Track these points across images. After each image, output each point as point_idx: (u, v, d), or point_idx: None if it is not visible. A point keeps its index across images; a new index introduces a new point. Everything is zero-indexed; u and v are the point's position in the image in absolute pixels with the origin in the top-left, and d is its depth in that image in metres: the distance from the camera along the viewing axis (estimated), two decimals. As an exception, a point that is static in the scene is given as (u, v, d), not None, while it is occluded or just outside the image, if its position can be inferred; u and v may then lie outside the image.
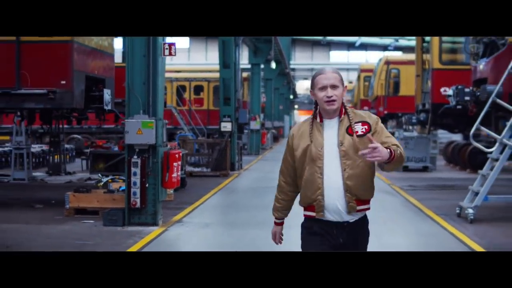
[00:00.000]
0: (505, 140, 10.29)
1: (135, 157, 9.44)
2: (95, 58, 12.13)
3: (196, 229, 9.61)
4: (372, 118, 3.80)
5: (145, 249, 8.02)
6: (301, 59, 68.36)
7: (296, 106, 71.55)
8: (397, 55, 53.44)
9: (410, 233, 9.45)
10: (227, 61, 20.18)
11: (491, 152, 10.59)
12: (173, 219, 10.29)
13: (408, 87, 27.28)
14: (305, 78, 66.93)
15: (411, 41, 54.93)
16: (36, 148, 19.91)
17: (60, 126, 18.18)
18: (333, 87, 3.73)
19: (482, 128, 10.62)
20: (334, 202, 3.72)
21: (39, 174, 17.47)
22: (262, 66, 30.89)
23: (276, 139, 41.38)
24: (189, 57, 62.93)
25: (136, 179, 9.43)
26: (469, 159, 18.75)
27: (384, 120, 34.34)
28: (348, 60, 69.00)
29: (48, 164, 18.39)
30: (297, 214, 4.28)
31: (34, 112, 14.37)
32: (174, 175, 9.68)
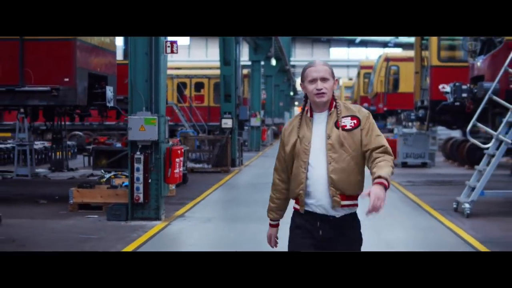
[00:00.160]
0: (501, 136, 10.46)
1: (138, 153, 9.62)
2: (98, 56, 12.32)
3: (198, 224, 9.80)
4: (362, 112, 3.73)
5: (149, 243, 8.21)
6: (301, 56, 68.51)
7: (296, 103, 71.74)
8: (397, 52, 53.62)
9: (408, 228, 9.64)
10: (227, 58, 20.34)
11: (487, 148, 10.76)
12: (175, 214, 10.48)
13: (407, 84, 27.46)
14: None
15: (411, 38, 55.09)
16: (38, 144, 20.08)
17: (62, 123, 18.35)
18: (323, 79, 3.69)
19: (479, 124, 10.80)
20: (320, 196, 3.68)
21: (41, 170, 17.66)
22: (262, 63, 31.03)
23: (276, 135, 41.54)
24: (189, 54, 63.07)
25: (139, 174, 9.61)
26: (468, 155, 18.91)
27: (384, 117, 34.56)
28: (348, 57, 69.18)
29: (51, 161, 18.58)
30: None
31: (37, 109, 14.55)
32: (177, 170, 9.88)
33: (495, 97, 10.76)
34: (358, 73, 40.39)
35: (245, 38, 26.47)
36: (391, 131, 28.25)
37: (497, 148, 10.56)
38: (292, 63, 53.90)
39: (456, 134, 25.45)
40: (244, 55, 27.71)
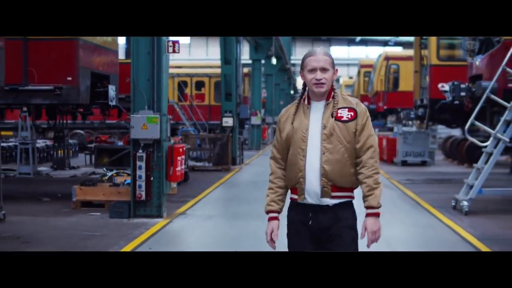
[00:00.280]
0: (498, 135, 10.58)
1: (140, 151, 9.74)
2: (100, 55, 12.45)
3: (199, 221, 9.92)
4: (360, 107, 3.71)
5: (151, 240, 8.33)
6: (301, 54, 68.01)
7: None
8: (397, 51, 53.69)
9: (407, 225, 9.76)
10: (228, 58, 20.48)
11: (485, 147, 10.88)
12: (177, 211, 10.61)
13: (407, 83, 27.56)
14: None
15: (411, 37, 55.17)
16: (40, 143, 20.20)
17: (64, 121, 18.48)
18: (323, 70, 3.65)
19: (477, 123, 10.91)
20: (313, 186, 3.66)
21: (44, 168, 17.79)
22: (263, 61, 31.15)
23: (276, 134, 41.62)
24: (189, 52, 63.08)
25: (141, 172, 9.73)
26: (467, 154, 19.02)
27: (384, 115, 34.67)
28: (349, 56, 69.19)
29: (53, 159, 18.71)
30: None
31: (40, 108, 14.68)
32: (178, 168, 10.00)
33: (493, 96, 10.87)
34: (358, 72, 40.49)
35: (245, 37, 26.58)
36: (391, 129, 28.35)
37: (495, 147, 10.68)
38: (292, 61, 53.97)
39: (456, 132, 25.56)
40: (245, 53, 27.82)
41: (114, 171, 12.42)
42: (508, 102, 10.64)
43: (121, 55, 14.97)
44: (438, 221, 9.89)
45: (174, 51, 9.94)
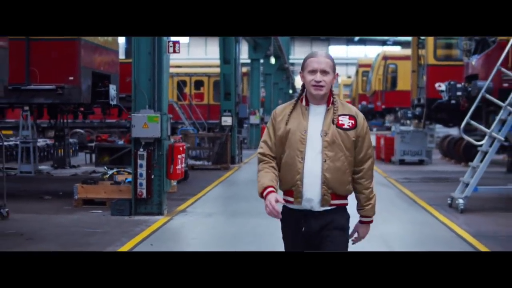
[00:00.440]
0: (494, 134, 10.75)
1: (141, 149, 9.90)
2: (101, 55, 12.61)
3: (199, 219, 10.08)
4: (360, 115, 3.69)
5: (152, 237, 8.49)
6: (300, 53, 68.60)
7: (295, 100, 71.82)
8: (395, 50, 53.83)
9: (404, 222, 9.93)
10: (227, 57, 20.63)
11: (481, 145, 11.05)
12: (177, 209, 10.77)
13: (405, 82, 27.72)
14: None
15: (409, 36, 55.31)
16: (40, 142, 20.34)
17: (65, 120, 18.63)
18: (323, 72, 3.59)
19: (472, 122, 11.07)
20: (310, 190, 3.60)
21: (44, 167, 17.94)
22: (261, 61, 31.29)
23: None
24: (188, 52, 63.19)
25: (142, 170, 9.89)
26: (464, 153, 19.18)
27: (382, 115, 34.85)
28: (347, 55, 69.35)
29: (53, 158, 18.85)
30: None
31: (42, 107, 14.84)
32: (179, 167, 10.16)
33: (488, 96, 11.04)
34: (357, 71, 40.67)
35: (244, 37, 26.72)
36: (389, 128, 28.52)
37: (491, 145, 10.84)
38: (291, 61, 54.12)
39: (454, 132, 25.73)
40: (244, 53, 27.96)
41: (115, 170, 12.56)
42: (503, 102, 10.81)
43: (121, 55, 15.12)
44: (434, 219, 10.06)
45: (174, 51, 10.10)
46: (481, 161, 10.84)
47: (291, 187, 3.64)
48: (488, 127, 11.24)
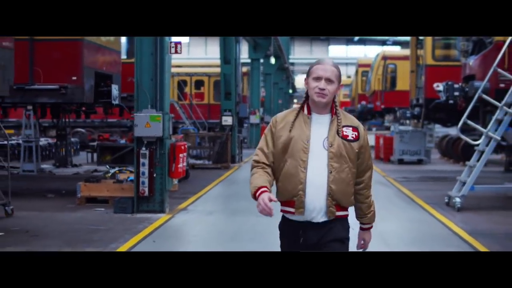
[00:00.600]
0: (490, 133, 10.92)
1: (144, 148, 10.08)
2: (103, 55, 12.79)
3: (200, 216, 10.26)
4: (361, 126, 3.67)
5: (155, 234, 8.66)
6: (300, 53, 68.85)
7: (295, 100, 72.06)
8: (394, 50, 54.01)
9: (401, 220, 10.09)
10: (228, 57, 20.80)
11: (478, 145, 11.22)
12: (179, 207, 10.94)
13: (404, 82, 27.85)
14: (304, 73, 67.28)
15: (408, 36, 55.43)
16: (42, 141, 20.49)
17: (67, 120, 18.78)
18: (328, 81, 3.54)
19: (469, 122, 11.24)
20: (313, 202, 3.54)
21: (46, 166, 18.10)
22: (261, 61, 31.45)
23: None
24: (188, 51, 63.34)
25: (144, 169, 10.07)
26: (462, 152, 19.35)
27: (381, 115, 35.01)
28: (347, 55, 69.54)
29: (55, 157, 19.01)
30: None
31: (45, 107, 15.02)
32: (180, 165, 10.35)
33: (485, 96, 11.21)
34: (356, 71, 40.83)
35: (244, 37, 26.88)
36: (388, 128, 28.69)
37: (487, 145, 11.01)
38: (291, 61, 54.29)
39: (453, 131, 25.87)
40: (244, 52, 28.13)
41: (117, 168, 12.72)
42: (500, 102, 10.98)
43: (123, 55, 15.29)
44: (431, 217, 10.24)
45: (176, 52, 10.27)
46: (478, 160, 11.01)
47: (292, 197, 3.56)
48: (485, 127, 11.40)
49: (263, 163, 3.63)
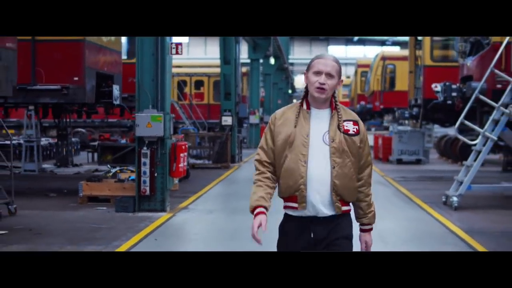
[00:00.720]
0: (487, 133, 11.06)
1: (145, 148, 10.21)
2: (105, 55, 12.92)
3: (201, 215, 10.39)
4: (360, 122, 3.66)
5: (156, 232, 8.79)
6: (299, 53, 68.96)
7: (294, 100, 72.12)
8: (393, 51, 54.15)
9: (399, 219, 10.21)
10: (227, 58, 20.92)
11: (475, 145, 11.35)
12: (179, 206, 11.07)
13: (403, 83, 27.94)
14: (304, 73, 67.38)
15: (407, 36, 55.51)
16: (43, 141, 20.60)
17: (67, 120, 18.91)
18: (328, 75, 3.52)
19: (466, 122, 11.36)
20: (315, 196, 3.52)
21: (47, 166, 18.22)
22: (261, 61, 31.56)
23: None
24: (188, 51, 63.42)
25: (145, 168, 10.20)
26: (460, 152, 19.46)
27: (380, 115, 35.13)
28: (346, 55, 69.65)
29: (56, 156, 19.14)
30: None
31: (47, 107, 15.14)
32: (181, 165, 10.48)
33: (482, 96, 11.34)
34: (356, 72, 40.93)
35: (244, 37, 27.00)
36: (387, 128, 28.81)
37: (484, 145, 11.14)
38: (290, 61, 54.40)
39: (452, 131, 25.92)
40: (243, 53, 28.24)
41: (118, 168, 12.86)
42: (497, 102, 11.10)
43: (123, 55, 15.41)
44: (428, 216, 10.37)
45: (177, 53, 10.39)
46: (475, 160, 11.14)
47: (294, 192, 3.54)
48: (482, 127, 11.51)
49: (265, 161, 3.63)
